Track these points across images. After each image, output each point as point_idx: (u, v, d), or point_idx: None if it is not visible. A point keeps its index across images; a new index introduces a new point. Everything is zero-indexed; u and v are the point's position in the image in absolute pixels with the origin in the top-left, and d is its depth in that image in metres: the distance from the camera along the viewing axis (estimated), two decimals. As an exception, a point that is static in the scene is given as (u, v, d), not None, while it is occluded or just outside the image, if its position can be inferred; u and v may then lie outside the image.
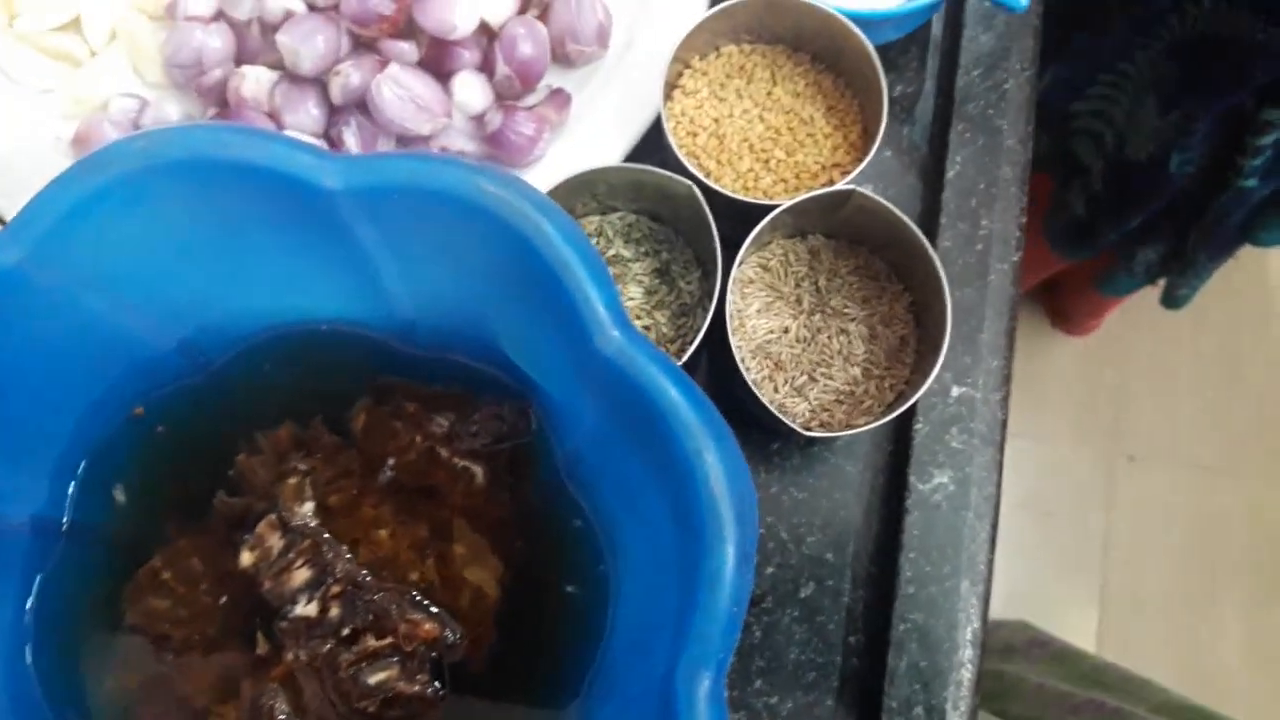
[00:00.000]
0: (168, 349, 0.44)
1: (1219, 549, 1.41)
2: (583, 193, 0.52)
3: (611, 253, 0.54)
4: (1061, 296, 1.41)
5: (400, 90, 0.52)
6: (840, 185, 0.49)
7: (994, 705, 0.78)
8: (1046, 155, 0.87)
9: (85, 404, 0.44)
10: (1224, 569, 1.41)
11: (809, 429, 0.49)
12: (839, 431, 0.48)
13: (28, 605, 0.43)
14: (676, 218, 0.53)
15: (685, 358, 0.48)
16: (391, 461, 0.45)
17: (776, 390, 0.51)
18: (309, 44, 0.52)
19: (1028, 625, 1.02)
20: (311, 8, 0.55)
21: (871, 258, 0.53)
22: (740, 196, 0.50)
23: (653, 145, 0.56)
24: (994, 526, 0.50)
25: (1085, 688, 0.77)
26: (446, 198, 0.36)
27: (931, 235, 0.54)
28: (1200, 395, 1.46)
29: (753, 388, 0.47)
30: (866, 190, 0.49)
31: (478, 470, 0.45)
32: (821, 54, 0.56)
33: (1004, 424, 0.51)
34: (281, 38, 0.52)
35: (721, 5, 0.53)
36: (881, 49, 0.53)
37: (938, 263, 0.47)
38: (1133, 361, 1.47)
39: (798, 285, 0.53)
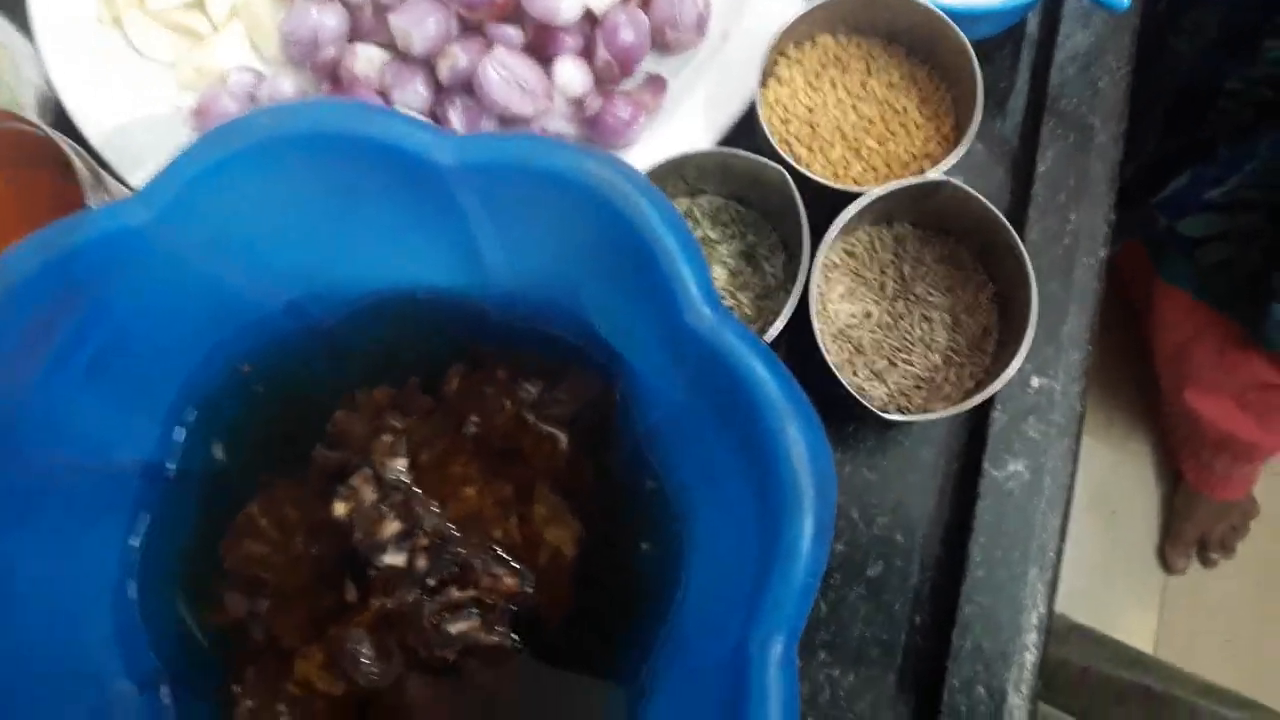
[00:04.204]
0: (275, 310, 0.46)
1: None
2: (674, 175, 0.54)
3: (699, 234, 0.55)
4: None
5: (505, 73, 0.54)
6: (932, 175, 0.50)
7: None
8: None
9: (196, 358, 0.46)
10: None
11: (886, 412, 0.50)
12: (916, 415, 0.49)
13: (134, 543, 0.46)
14: (764, 202, 0.55)
15: (768, 338, 0.49)
16: (476, 418, 0.47)
17: (856, 374, 0.52)
18: (420, 26, 0.54)
19: (1068, 616, 1.02)
20: (422, -11, 0.57)
21: (957, 247, 0.54)
22: (831, 183, 0.51)
23: (743, 131, 0.57)
24: (1065, 517, 0.51)
25: (1130, 671, 0.76)
26: (554, 177, 0.38)
27: (1019, 228, 0.55)
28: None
29: (834, 370, 0.48)
30: (958, 181, 0.49)
31: (562, 436, 0.46)
32: (917, 47, 0.56)
33: (1081, 416, 0.51)
34: (394, 19, 0.54)
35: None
36: (976, 43, 0.53)
37: (1025, 255, 0.48)
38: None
39: (882, 272, 0.54)
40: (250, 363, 0.48)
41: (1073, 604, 1.24)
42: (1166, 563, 1.38)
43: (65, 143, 0.48)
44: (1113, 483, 1.41)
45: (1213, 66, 0.82)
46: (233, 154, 0.39)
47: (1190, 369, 1.17)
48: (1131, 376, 1.39)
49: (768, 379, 0.35)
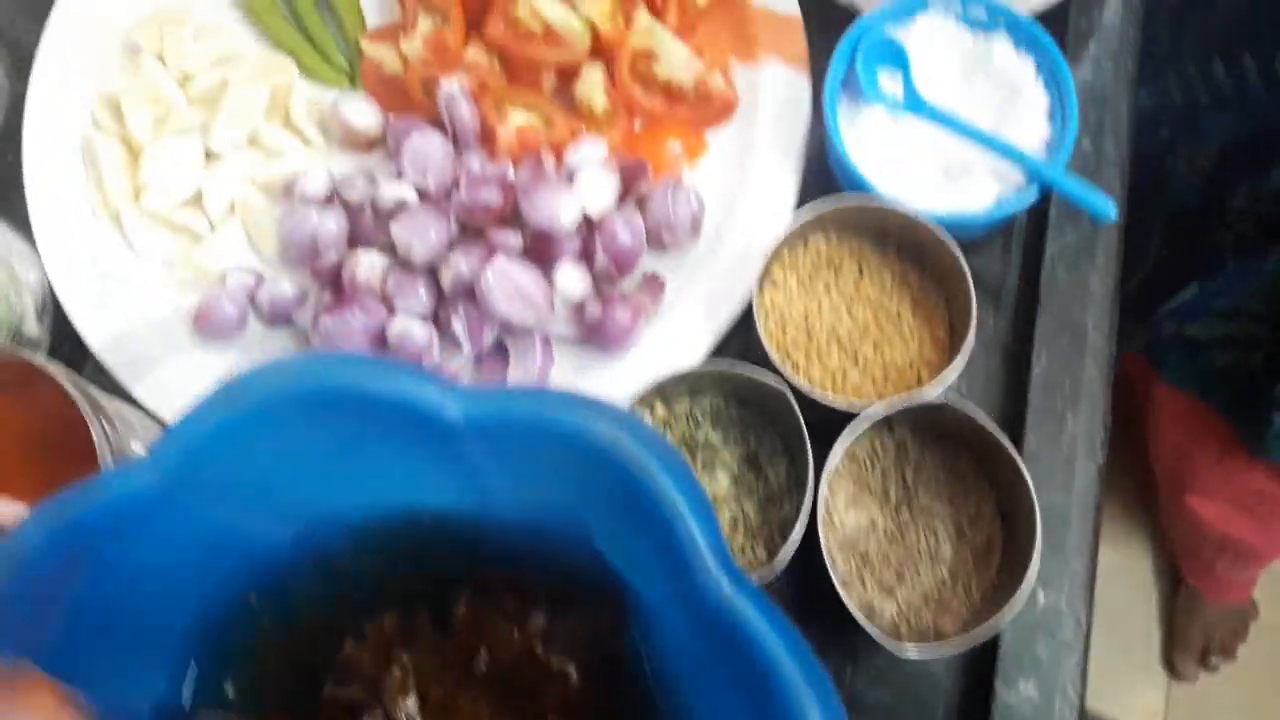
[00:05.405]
0: (282, 542, 0.46)
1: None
2: (674, 381, 0.54)
3: (702, 437, 0.55)
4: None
5: (506, 283, 0.54)
6: (930, 394, 0.51)
7: None
8: None
9: (200, 596, 0.46)
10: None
11: (899, 636, 0.49)
12: (930, 651, 0.48)
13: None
14: (763, 402, 0.55)
15: (781, 561, 0.49)
16: (485, 652, 0.46)
17: (865, 588, 0.52)
18: (422, 237, 0.55)
19: None
20: (422, 195, 0.58)
21: (958, 452, 0.54)
22: (833, 403, 0.52)
23: (738, 327, 0.58)
24: (1078, 733, 0.51)
25: None
26: (562, 438, 0.38)
27: (1018, 431, 0.55)
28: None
29: (841, 594, 0.48)
30: (955, 397, 0.50)
31: (571, 669, 0.46)
32: (907, 248, 0.57)
33: (1088, 632, 0.51)
34: (396, 230, 0.55)
35: (811, 208, 0.55)
36: (968, 242, 0.54)
37: (1028, 477, 0.48)
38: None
39: (884, 477, 0.54)
40: (256, 594, 0.47)
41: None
42: (1176, 670, 1.36)
43: (64, 376, 0.48)
44: (1113, 584, 1.40)
45: (1217, 186, 0.85)
46: (237, 416, 0.39)
47: (1190, 473, 1.17)
48: (1130, 475, 1.39)
49: (788, 661, 0.35)
